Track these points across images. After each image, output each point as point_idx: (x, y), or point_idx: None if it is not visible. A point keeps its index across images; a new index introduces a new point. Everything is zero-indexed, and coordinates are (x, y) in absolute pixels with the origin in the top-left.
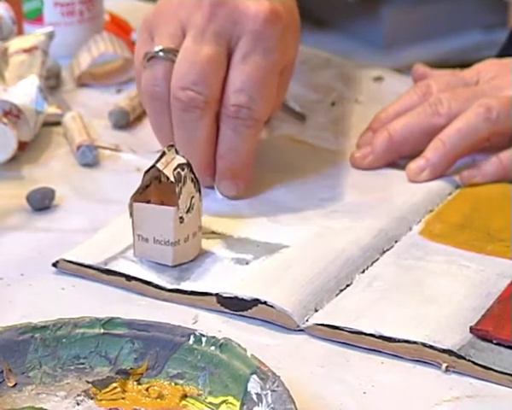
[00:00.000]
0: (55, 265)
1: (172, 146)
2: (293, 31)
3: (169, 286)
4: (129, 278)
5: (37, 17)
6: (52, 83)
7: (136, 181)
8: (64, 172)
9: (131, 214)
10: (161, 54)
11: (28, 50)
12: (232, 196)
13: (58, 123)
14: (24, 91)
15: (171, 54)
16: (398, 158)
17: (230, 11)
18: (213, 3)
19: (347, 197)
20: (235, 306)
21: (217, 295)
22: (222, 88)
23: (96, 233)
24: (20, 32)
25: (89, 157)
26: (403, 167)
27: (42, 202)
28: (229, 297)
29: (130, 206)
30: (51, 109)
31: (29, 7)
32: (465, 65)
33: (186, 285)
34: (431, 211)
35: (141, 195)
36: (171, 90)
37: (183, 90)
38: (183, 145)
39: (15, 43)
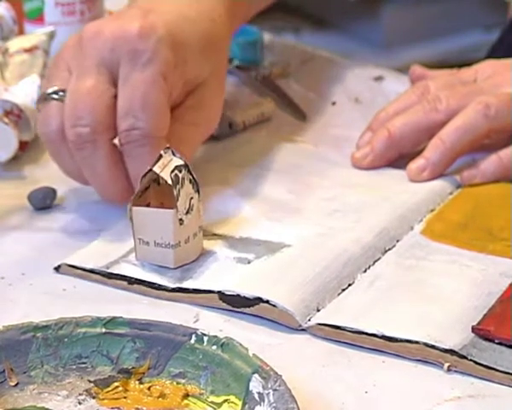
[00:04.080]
0: (56, 269)
1: (169, 148)
2: (187, 45)
3: (171, 286)
4: (131, 281)
5: (37, 17)
6: None
7: None
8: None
9: (131, 219)
10: (53, 95)
11: (29, 50)
12: None
13: None
14: (25, 91)
15: (61, 94)
16: (397, 156)
17: (105, 40)
18: (89, 38)
19: (349, 197)
20: (236, 303)
21: (219, 292)
22: (115, 116)
23: (98, 237)
24: (21, 32)
25: None
26: (404, 167)
27: (43, 202)
28: (231, 295)
29: (130, 210)
30: None
31: (30, 6)
32: (465, 65)
33: (188, 284)
34: (432, 210)
35: (140, 198)
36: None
37: (72, 128)
38: (93, 182)
39: (16, 43)
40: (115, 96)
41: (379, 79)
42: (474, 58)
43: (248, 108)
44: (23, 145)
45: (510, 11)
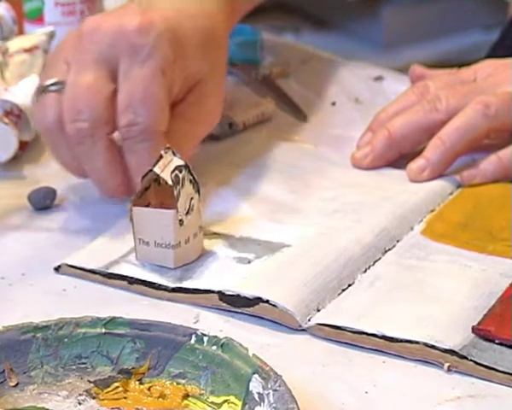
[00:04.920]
0: (56, 269)
1: (169, 148)
2: (186, 40)
3: (171, 286)
4: (131, 281)
5: (37, 17)
6: None
7: None
8: (65, 171)
9: (131, 219)
10: (51, 87)
11: (29, 50)
12: None
13: None
14: (25, 91)
15: (59, 85)
16: (398, 156)
17: (104, 35)
18: (88, 33)
19: (349, 197)
20: (236, 303)
21: (219, 292)
22: (114, 111)
23: (98, 237)
24: (21, 32)
25: None
26: (404, 167)
27: (43, 202)
28: (232, 295)
29: (130, 210)
30: None
31: (30, 6)
32: (465, 65)
33: (188, 284)
34: (432, 210)
35: (140, 198)
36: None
37: (71, 123)
38: (91, 176)
39: (16, 43)
40: (114, 92)
41: (379, 79)
42: (474, 58)
43: (248, 108)
44: (23, 145)
45: (510, 11)
